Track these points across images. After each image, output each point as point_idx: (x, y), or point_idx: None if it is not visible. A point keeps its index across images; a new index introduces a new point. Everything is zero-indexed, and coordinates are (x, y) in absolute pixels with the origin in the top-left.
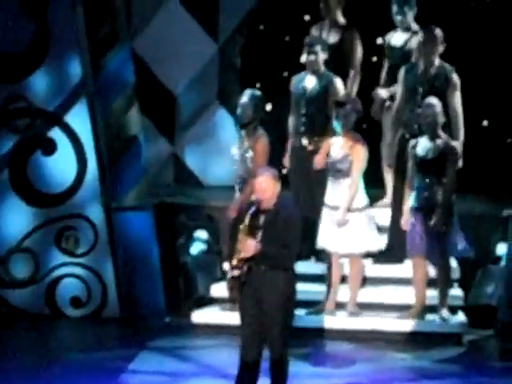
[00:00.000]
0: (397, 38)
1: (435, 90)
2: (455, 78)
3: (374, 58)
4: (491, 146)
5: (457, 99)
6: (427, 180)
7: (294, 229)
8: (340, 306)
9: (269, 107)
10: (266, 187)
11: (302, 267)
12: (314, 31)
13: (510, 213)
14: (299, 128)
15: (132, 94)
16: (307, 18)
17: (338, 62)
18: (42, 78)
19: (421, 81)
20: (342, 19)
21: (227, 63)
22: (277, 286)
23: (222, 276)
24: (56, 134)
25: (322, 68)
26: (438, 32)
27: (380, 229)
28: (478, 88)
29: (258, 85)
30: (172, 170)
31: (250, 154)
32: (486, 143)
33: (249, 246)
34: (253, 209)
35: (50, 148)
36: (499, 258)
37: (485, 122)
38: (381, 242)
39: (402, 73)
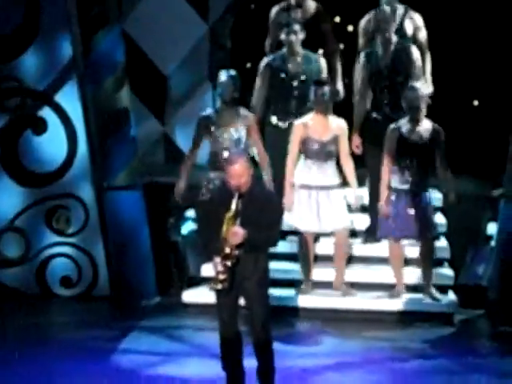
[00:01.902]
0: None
1: (399, 67)
2: (415, 52)
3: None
4: (481, 126)
5: (421, 72)
6: (413, 162)
7: (272, 211)
8: (327, 285)
9: None
10: (242, 172)
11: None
12: (281, 11)
13: (500, 193)
14: (289, 109)
15: (122, 73)
16: None
17: (310, 41)
18: (33, 58)
19: (383, 62)
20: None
21: (218, 43)
22: (257, 264)
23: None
24: (46, 113)
25: (300, 48)
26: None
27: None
28: (468, 68)
29: (248, 64)
30: (163, 149)
31: (228, 132)
32: (476, 123)
33: (236, 234)
34: (236, 195)
35: (41, 127)
36: (489, 238)
37: (475, 102)
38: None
39: (362, 58)
